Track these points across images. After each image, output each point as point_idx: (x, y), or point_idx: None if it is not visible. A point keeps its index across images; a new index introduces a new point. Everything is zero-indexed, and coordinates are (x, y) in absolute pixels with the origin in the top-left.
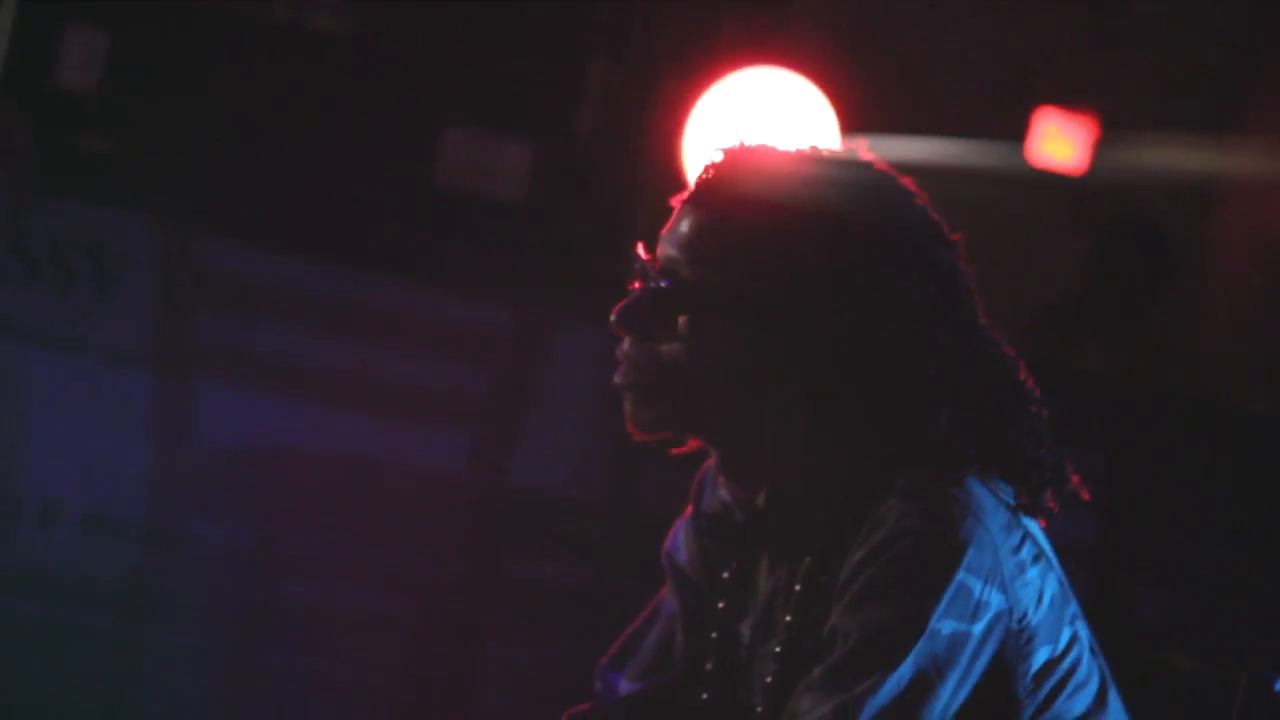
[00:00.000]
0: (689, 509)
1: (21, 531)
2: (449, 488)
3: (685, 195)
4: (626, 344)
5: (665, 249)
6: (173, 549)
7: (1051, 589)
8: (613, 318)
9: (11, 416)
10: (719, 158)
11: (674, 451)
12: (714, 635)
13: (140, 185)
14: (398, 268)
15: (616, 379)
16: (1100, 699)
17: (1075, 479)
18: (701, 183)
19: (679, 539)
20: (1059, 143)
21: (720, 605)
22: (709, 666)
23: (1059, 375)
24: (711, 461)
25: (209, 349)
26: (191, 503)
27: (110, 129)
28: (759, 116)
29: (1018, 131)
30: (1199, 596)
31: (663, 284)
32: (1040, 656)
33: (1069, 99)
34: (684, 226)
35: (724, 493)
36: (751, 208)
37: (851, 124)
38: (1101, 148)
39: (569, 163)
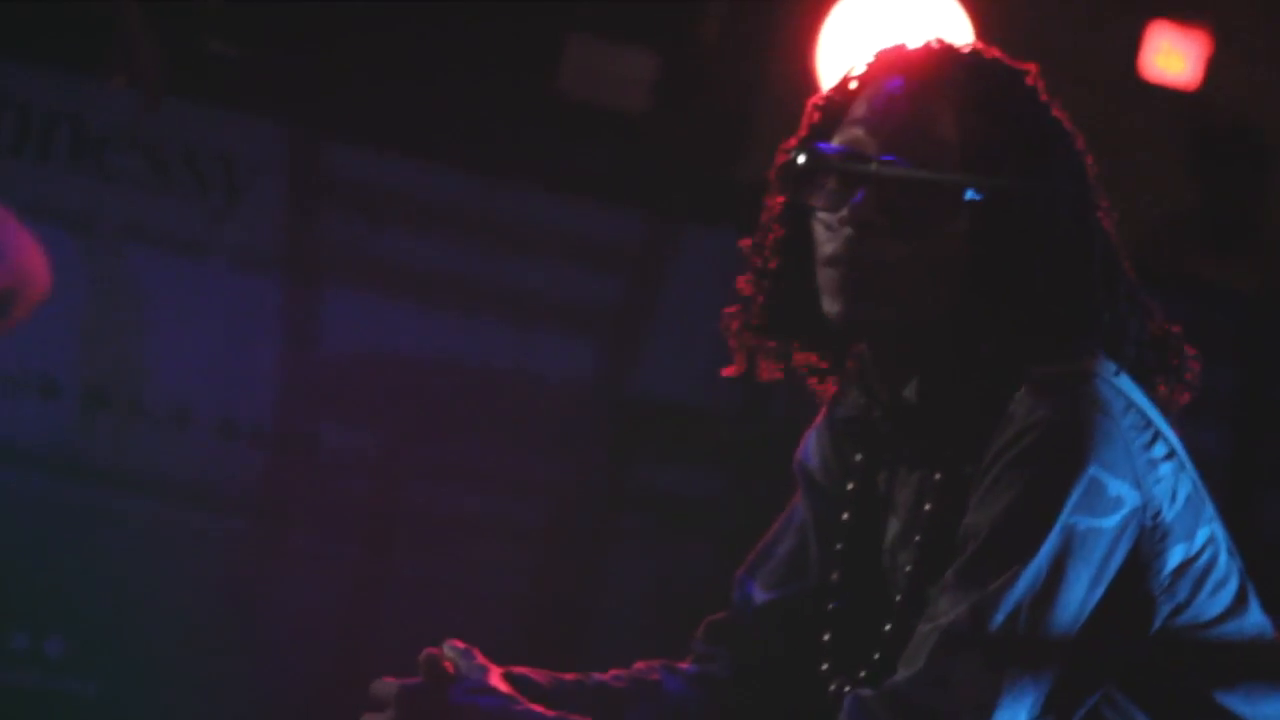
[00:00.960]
0: (820, 416)
1: (152, 436)
2: (576, 394)
3: (894, 88)
4: (851, 236)
5: (875, 141)
6: (302, 454)
7: (1185, 488)
8: (844, 211)
9: (143, 322)
10: (910, 52)
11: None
12: (839, 547)
13: (269, 90)
14: (524, 174)
15: (840, 269)
16: (1240, 599)
17: (1195, 366)
18: (904, 76)
19: (810, 447)
20: (1172, 57)
21: (845, 517)
22: (834, 578)
23: (1183, 287)
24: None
25: (338, 254)
26: (320, 408)
27: (239, 33)
28: (891, 24)
29: (1131, 45)
30: None
31: (891, 176)
32: (1175, 555)
33: (1182, 13)
34: (897, 120)
35: (857, 393)
36: (958, 101)
37: (983, 30)
38: (1215, 61)
39: (693, 71)
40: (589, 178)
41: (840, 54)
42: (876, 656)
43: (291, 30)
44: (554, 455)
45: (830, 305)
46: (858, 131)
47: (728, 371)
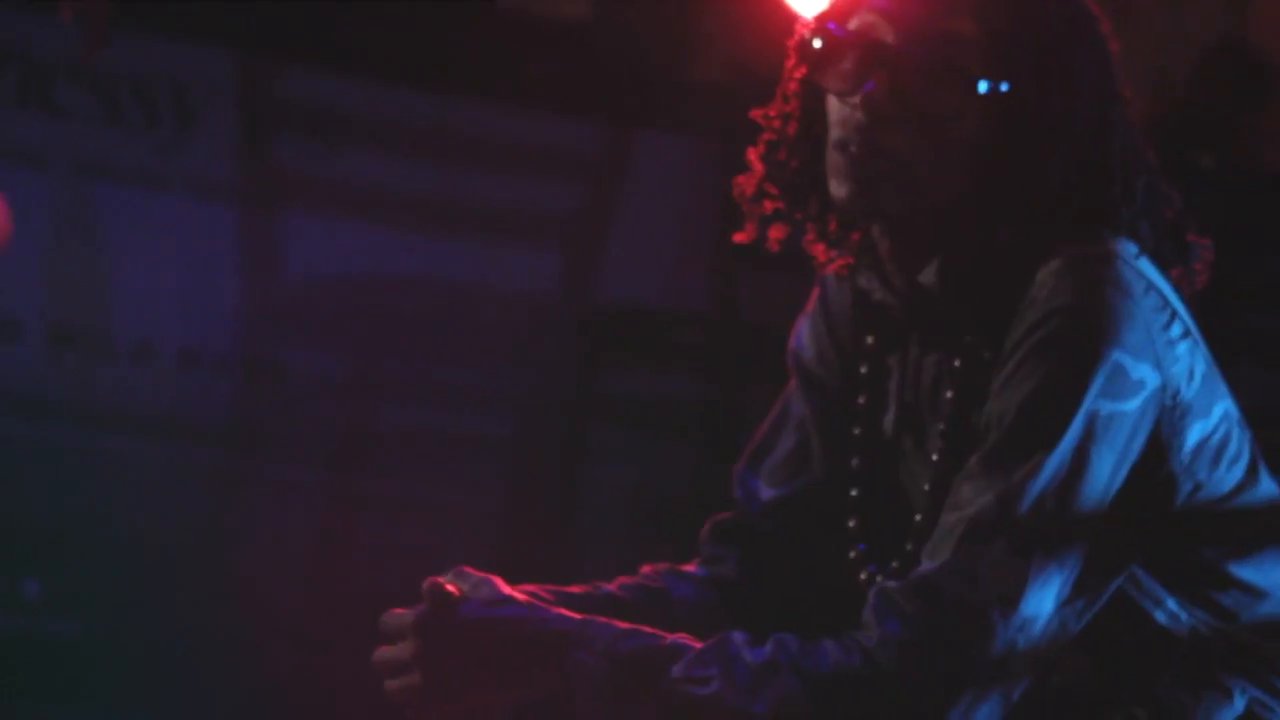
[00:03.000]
0: (812, 301)
1: (116, 370)
2: (541, 306)
3: None
4: (862, 123)
5: (891, 28)
6: (268, 381)
7: (1201, 366)
8: (856, 98)
9: (102, 257)
10: None
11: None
12: (856, 431)
13: (216, 16)
14: (473, 88)
15: (848, 155)
16: (1252, 471)
17: (1208, 255)
18: None
19: (803, 335)
20: None
21: (860, 400)
22: (854, 464)
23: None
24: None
25: (294, 178)
26: (284, 334)
27: None
28: None
29: None
30: None
31: (903, 67)
32: (1194, 433)
33: None
34: (915, 8)
35: (864, 279)
36: None
37: None
38: None
39: None
40: (538, 89)
41: None
42: (909, 547)
43: None
44: (522, 368)
45: (837, 189)
46: (873, 17)
47: (738, 238)
